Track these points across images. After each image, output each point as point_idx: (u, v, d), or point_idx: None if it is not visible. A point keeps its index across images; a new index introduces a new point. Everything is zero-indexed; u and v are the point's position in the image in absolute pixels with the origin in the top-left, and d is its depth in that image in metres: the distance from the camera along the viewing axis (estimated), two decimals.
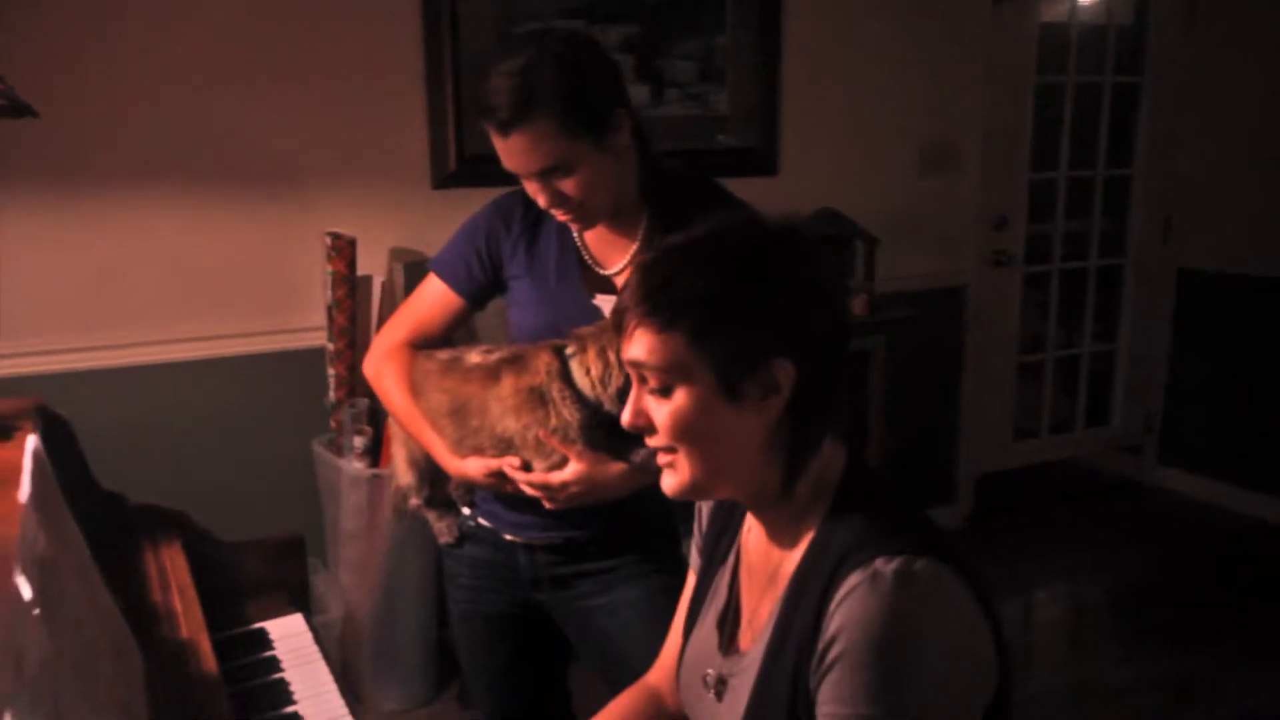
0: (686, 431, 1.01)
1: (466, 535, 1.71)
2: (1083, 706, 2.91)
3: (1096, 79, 4.17)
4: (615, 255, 1.58)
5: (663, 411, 1.02)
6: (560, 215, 1.51)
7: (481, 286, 1.64)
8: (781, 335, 0.99)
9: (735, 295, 0.99)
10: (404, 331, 1.66)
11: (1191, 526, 4.14)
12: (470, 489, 1.67)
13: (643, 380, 1.03)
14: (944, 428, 4.06)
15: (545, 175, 1.45)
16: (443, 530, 1.72)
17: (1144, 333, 4.46)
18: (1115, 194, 4.37)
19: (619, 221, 1.56)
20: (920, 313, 3.69)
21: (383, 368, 1.65)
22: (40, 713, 0.75)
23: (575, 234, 1.59)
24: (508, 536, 1.64)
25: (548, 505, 1.52)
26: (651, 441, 1.05)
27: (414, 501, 1.73)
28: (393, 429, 1.74)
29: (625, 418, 1.06)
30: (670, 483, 1.06)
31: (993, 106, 3.84)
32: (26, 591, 0.78)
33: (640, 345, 1.01)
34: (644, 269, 1.03)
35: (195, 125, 2.69)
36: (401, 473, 1.72)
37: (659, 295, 1.00)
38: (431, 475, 1.69)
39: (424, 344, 1.65)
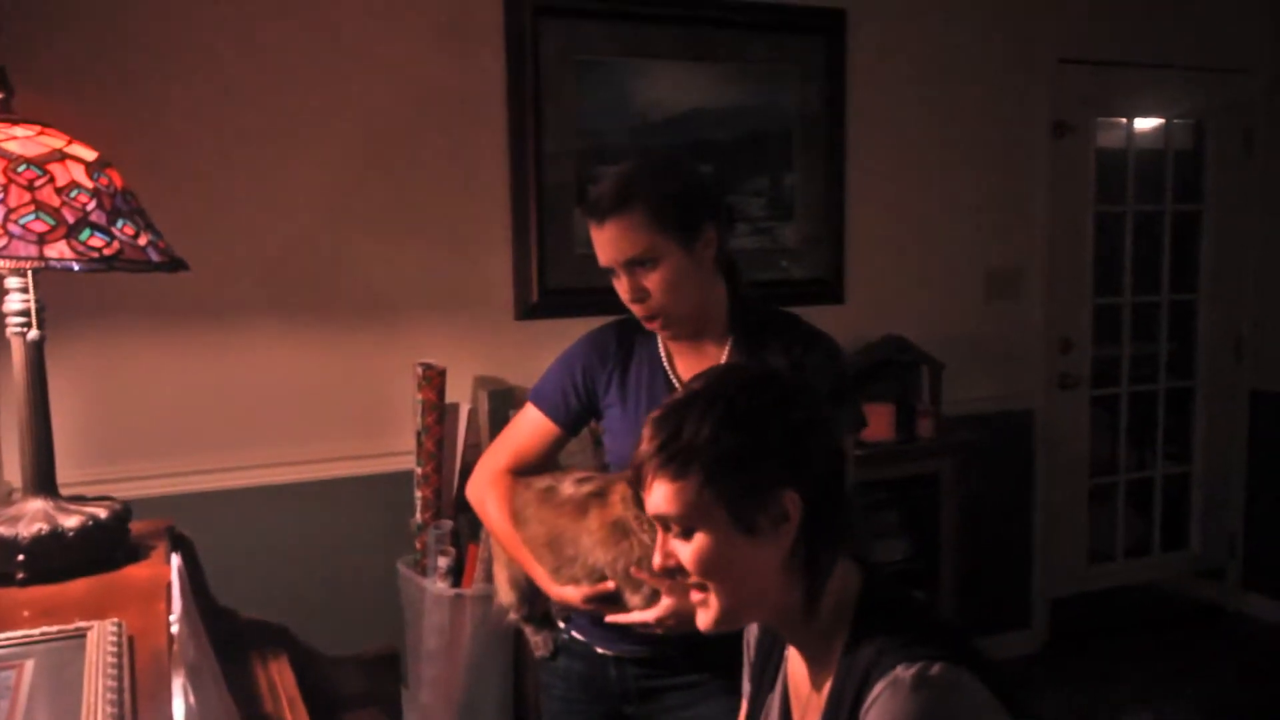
0: (711, 568, 1.11)
1: (561, 648, 1.79)
2: None
3: (1158, 208, 4.23)
4: None
5: (687, 552, 1.11)
6: (640, 312, 1.63)
7: (577, 416, 1.76)
8: (783, 469, 1.09)
9: (736, 439, 1.09)
10: (505, 459, 1.77)
11: (1277, 654, 4.03)
12: (570, 609, 1.74)
13: (666, 527, 1.14)
14: (1017, 551, 4.02)
15: (631, 265, 1.58)
16: (539, 644, 1.80)
17: (1218, 455, 4.41)
18: (1181, 317, 4.39)
19: (705, 346, 1.67)
20: (989, 435, 3.72)
21: (486, 494, 1.76)
22: None
23: (664, 360, 1.70)
24: (599, 649, 1.72)
25: (655, 632, 1.58)
26: (682, 580, 1.14)
27: (513, 617, 1.83)
28: (495, 551, 1.83)
29: (655, 561, 1.16)
30: (704, 619, 1.14)
31: (1055, 233, 3.93)
32: (190, 697, 0.89)
33: (659, 495, 1.12)
34: (654, 423, 1.14)
35: (301, 261, 2.87)
36: (504, 592, 1.82)
37: (669, 447, 1.11)
38: (530, 594, 1.78)
39: (523, 470, 1.76)
